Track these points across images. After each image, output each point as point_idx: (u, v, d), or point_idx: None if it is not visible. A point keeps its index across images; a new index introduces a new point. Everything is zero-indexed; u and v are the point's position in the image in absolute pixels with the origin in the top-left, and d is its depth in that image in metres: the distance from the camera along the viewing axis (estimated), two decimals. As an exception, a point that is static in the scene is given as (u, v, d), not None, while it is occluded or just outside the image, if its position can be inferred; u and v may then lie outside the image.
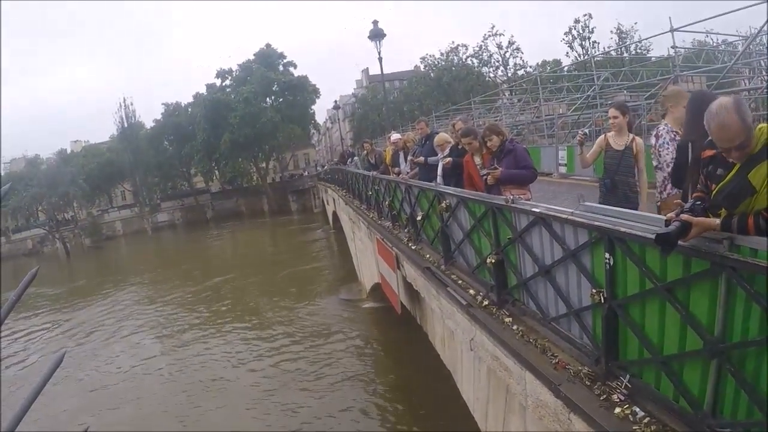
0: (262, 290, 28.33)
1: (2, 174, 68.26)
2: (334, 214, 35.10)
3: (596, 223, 3.96)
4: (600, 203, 5.48)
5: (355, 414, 13.30)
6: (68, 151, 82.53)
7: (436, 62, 72.78)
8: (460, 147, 8.50)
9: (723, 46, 25.83)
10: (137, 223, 74.89)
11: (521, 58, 70.37)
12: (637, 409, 3.67)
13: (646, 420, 3.56)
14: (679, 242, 2.96)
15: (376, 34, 21.34)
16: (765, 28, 14.64)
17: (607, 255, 3.85)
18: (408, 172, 11.40)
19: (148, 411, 15.46)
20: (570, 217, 4.32)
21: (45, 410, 14.74)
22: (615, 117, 6.26)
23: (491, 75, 71.08)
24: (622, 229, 3.64)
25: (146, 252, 57.12)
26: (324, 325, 20.33)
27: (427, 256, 9.10)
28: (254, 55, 71.49)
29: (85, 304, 32.10)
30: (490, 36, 69.59)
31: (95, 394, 17.42)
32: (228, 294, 28.75)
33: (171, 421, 14.64)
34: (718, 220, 2.96)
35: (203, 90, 74.05)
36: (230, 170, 73.39)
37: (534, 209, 4.99)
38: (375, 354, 17.04)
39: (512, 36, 72.43)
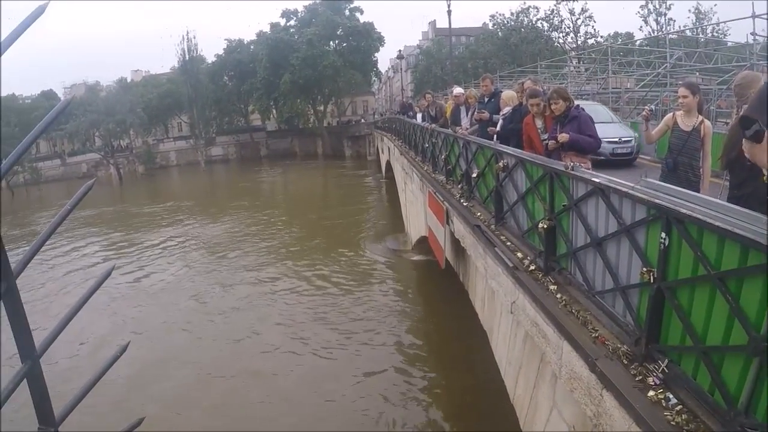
0: (310, 230, 28.90)
1: None
2: (388, 163, 35.15)
3: (656, 201, 3.86)
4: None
5: (383, 359, 13.70)
6: (129, 80, 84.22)
7: (506, 22, 70.52)
8: (523, 108, 8.38)
9: None
10: (191, 155, 76.76)
11: (593, 26, 68.02)
12: (671, 396, 3.66)
13: (678, 408, 3.55)
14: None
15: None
16: None
17: (663, 235, 3.77)
18: (467, 128, 11.28)
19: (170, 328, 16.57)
20: (630, 192, 4.22)
21: (90, 322, 15.61)
22: (684, 96, 6.03)
23: (560, 41, 68.84)
24: (683, 210, 3.55)
25: (198, 183, 58.73)
26: (367, 271, 20.74)
27: (478, 214, 9.08)
28: None
29: (136, 227, 33.50)
30: (563, 0, 67.41)
31: (135, 313, 18.36)
32: (275, 231, 29.45)
33: (193, 340, 15.69)
34: None
35: (267, 29, 74.56)
36: (288, 110, 74.04)
37: (594, 179, 4.89)
38: (413, 305, 17.33)
39: (585, 3, 69.80)
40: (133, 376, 12.94)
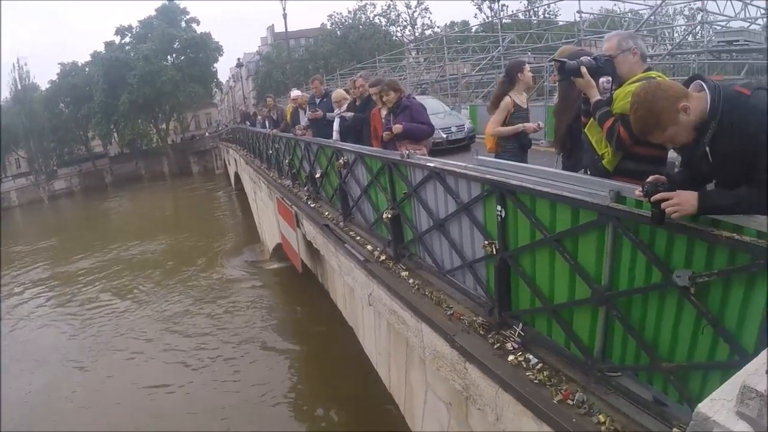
0: (164, 256, 27.13)
1: None
2: (236, 174, 34.10)
3: (488, 177, 3.92)
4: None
5: (261, 377, 13.08)
6: (-46, 117, 75.11)
7: (344, 20, 70.95)
8: (358, 104, 8.29)
9: (630, 14, 26.67)
10: (33, 192, 68.63)
11: (429, 18, 70.08)
12: (531, 356, 3.71)
13: (538, 366, 3.61)
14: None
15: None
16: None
17: (498, 207, 3.81)
18: (306, 125, 11.03)
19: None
20: (463, 171, 4.26)
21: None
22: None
23: (398, 34, 70.25)
24: (513, 182, 3.61)
25: (43, 223, 53.28)
26: (228, 287, 19.81)
27: (326, 213, 8.91)
28: (156, 10, 66.86)
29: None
30: None
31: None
32: (128, 262, 27.24)
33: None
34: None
35: (102, 48, 68.20)
36: (129, 132, 68.49)
37: (428, 164, 4.91)
38: (280, 314, 16.78)
39: None
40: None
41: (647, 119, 2.45)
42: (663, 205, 2.39)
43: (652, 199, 2.44)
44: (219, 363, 14.04)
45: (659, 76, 3.20)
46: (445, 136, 14.36)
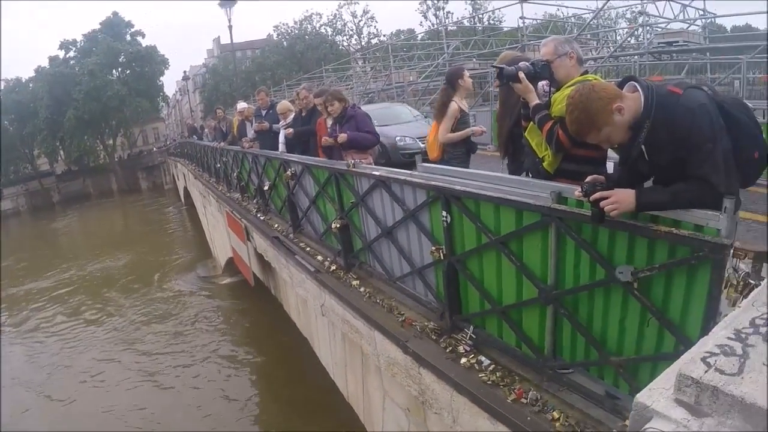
0: (118, 274, 26.22)
1: None
2: (186, 189, 33.26)
3: (433, 183, 3.91)
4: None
5: (228, 391, 12.79)
6: None
7: (290, 31, 69.86)
8: (304, 114, 8.21)
9: (573, 19, 27.15)
10: None
11: (375, 26, 69.60)
12: (483, 358, 3.70)
13: (491, 367, 3.60)
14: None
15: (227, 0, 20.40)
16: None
17: (444, 213, 3.80)
18: (252, 138, 10.86)
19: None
20: (408, 178, 4.25)
21: None
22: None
23: (345, 44, 69.57)
24: (457, 188, 3.61)
25: None
26: (182, 305, 19.22)
27: (276, 225, 8.76)
28: (100, 24, 64.07)
29: None
30: (344, 4, 68.31)
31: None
32: (82, 281, 26.30)
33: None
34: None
35: (46, 63, 64.79)
36: (76, 149, 65.39)
37: (374, 172, 4.88)
38: (236, 329, 16.41)
39: (367, 5, 71.46)
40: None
41: (582, 120, 2.46)
42: (602, 203, 2.41)
43: (591, 198, 2.45)
44: (183, 380, 13.65)
45: (596, 79, 3.24)
46: (423, 145, 13.06)
